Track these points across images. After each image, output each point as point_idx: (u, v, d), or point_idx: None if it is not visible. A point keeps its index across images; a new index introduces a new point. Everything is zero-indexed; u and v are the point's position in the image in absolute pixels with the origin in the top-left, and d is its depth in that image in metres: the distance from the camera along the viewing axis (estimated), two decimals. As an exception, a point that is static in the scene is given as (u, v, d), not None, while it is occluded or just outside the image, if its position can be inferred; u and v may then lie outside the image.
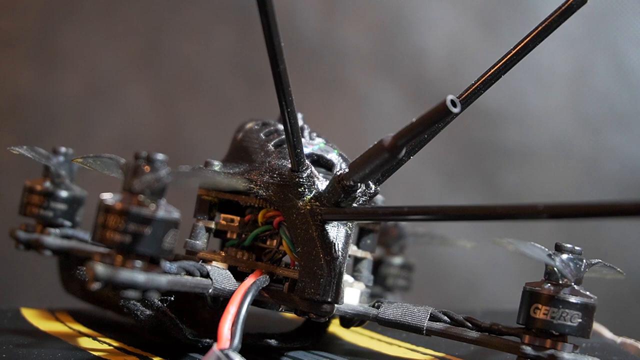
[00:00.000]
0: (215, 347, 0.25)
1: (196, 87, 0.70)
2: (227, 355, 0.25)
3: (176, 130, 0.70)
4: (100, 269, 0.23)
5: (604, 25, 0.68)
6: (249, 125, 0.34)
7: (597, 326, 0.41)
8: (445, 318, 0.30)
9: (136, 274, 0.24)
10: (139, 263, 0.24)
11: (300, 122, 0.35)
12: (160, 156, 0.25)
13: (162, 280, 0.25)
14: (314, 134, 0.34)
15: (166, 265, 0.26)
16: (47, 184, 0.36)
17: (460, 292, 0.69)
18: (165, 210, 0.24)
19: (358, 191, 0.29)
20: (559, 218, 0.22)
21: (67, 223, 0.36)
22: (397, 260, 0.43)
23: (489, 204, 0.24)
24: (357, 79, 0.70)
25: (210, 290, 0.29)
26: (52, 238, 0.36)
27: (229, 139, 0.35)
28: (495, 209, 0.23)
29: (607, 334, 0.40)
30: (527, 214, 0.23)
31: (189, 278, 0.28)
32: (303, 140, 0.32)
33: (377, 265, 0.42)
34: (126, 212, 0.24)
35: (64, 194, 0.36)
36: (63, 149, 0.37)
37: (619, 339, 0.39)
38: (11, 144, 0.35)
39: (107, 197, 0.24)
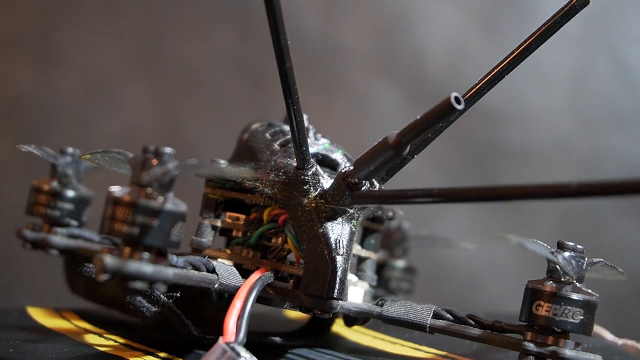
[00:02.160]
0: (221, 341, 0.26)
1: (196, 87, 0.70)
2: (232, 349, 0.25)
3: (176, 130, 0.70)
4: (108, 259, 0.23)
5: (604, 25, 0.68)
6: (255, 126, 0.34)
7: (598, 328, 0.41)
8: (448, 316, 0.30)
9: (144, 266, 0.24)
10: (146, 255, 0.24)
11: (306, 123, 0.35)
12: (168, 149, 0.25)
13: (169, 272, 0.25)
14: (319, 135, 0.34)
15: (173, 258, 0.26)
16: (54, 183, 0.36)
17: (463, 294, 0.69)
18: (172, 202, 0.25)
19: (363, 189, 0.29)
20: (584, 197, 0.22)
21: (74, 222, 0.37)
22: (400, 263, 0.43)
23: (515, 185, 0.24)
24: (357, 79, 0.71)
25: (216, 286, 0.29)
26: (59, 237, 0.36)
27: (230, 139, 0.35)
28: (527, 189, 0.23)
29: (609, 336, 0.41)
30: (557, 193, 0.22)
31: (195, 272, 0.28)
32: (308, 140, 0.33)
33: (380, 268, 0.42)
34: (134, 204, 0.24)
35: (70, 193, 0.37)
36: (70, 149, 0.37)
37: (620, 341, 0.39)
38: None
39: (116, 189, 0.25)
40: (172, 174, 0.24)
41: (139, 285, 0.24)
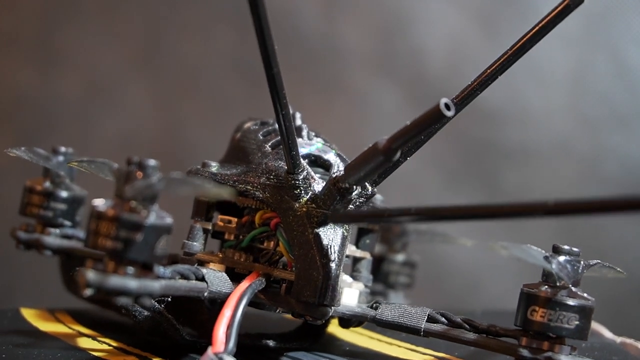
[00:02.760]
0: (210, 351, 0.26)
1: (196, 87, 0.70)
2: (221, 359, 0.25)
3: (176, 130, 0.70)
4: (91, 275, 0.23)
5: (604, 25, 0.68)
6: (247, 125, 0.34)
7: (597, 326, 0.41)
8: (443, 319, 0.30)
9: (128, 280, 0.24)
10: (130, 269, 0.24)
11: (299, 122, 0.35)
12: (152, 162, 0.24)
13: (155, 285, 0.25)
14: (312, 134, 0.34)
15: (160, 269, 0.26)
16: (47, 183, 0.36)
17: (462, 291, 0.69)
18: (157, 216, 0.24)
19: (354, 193, 0.29)
20: (563, 215, 0.22)
21: (67, 223, 0.37)
22: (400, 257, 0.43)
23: (493, 203, 0.24)
24: (357, 79, 0.70)
25: (205, 294, 0.29)
26: (52, 238, 0.36)
27: (229, 139, 0.35)
28: (502, 208, 0.23)
29: (607, 334, 0.40)
30: (532, 212, 0.22)
31: (184, 282, 0.28)
32: (301, 140, 0.32)
33: (380, 263, 0.42)
34: (117, 219, 0.24)
35: (64, 194, 0.37)
36: (63, 149, 0.37)
37: (618, 339, 0.39)
38: (10, 144, 0.35)
39: (99, 203, 0.24)
40: (155, 187, 0.24)
41: (124, 300, 0.24)
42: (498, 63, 0.30)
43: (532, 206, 0.22)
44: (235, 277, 0.31)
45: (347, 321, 0.33)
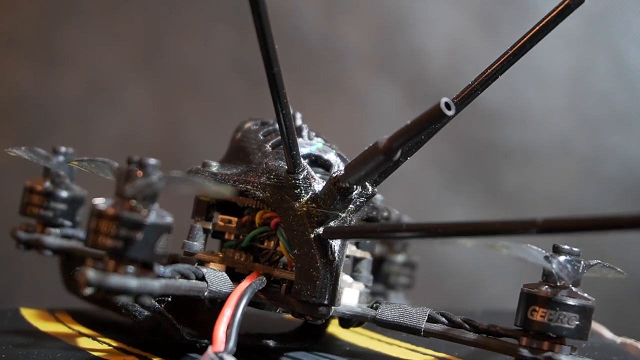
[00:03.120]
0: (210, 350, 0.26)
1: (196, 87, 0.70)
2: (221, 358, 0.25)
3: (176, 130, 0.70)
4: (91, 274, 0.23)
5: (603, 25, 0.68)
6: (248, 125, 0.34)
7: (597, 326, 0.41)
8: (443, 319, 0.30)
9: (128, 279, 0.24)
10: (131, 268, 0.24)
11: (299, 122, 0.35)
12: (152, 161, 0.24)
13: (155, 285, 0.25)
14: (313, 134, 0.34)
15: (160, 269, 0.26)
16: (48, 183, 0.36)
17: (462, 291, 0.69)
18: (157, 215, 0.24)
19: (354, 193, 0.29)
20: (557, 232, 0.22)
21: (68, 223, 0.37)
22: (400, 257, 0.43)
23: (487, 220, 0.24)
24: (357, 79, 0.70)
25: (205, 293, 0.29)
26: (53, 238, 0.36)
27: (229, 139, 0.35)
28: (494, 225, 0.24)
29: (607, 334, 0.40)
30: (524, 229, 0.23)
31: (184, 282, 0.28)
32: (301, 140, 0.33)
33: (380, 263, 0.42)
34: (118, 217, 0.24)
35: (64, 193, 0.37)
36: (63, 149, 0.37)
37: (619, 339, 0.39)
38: (10, 143, 0.35)
39: (99, 202, 0.24)
40: (156, 186, 0.24)
41: (124, 299, 0.24)
42: (498, 63, 0.30)
43: (523, 224, 0.23)
44: (236, 277, 0.31)
45: (347, 321, 0.33)
